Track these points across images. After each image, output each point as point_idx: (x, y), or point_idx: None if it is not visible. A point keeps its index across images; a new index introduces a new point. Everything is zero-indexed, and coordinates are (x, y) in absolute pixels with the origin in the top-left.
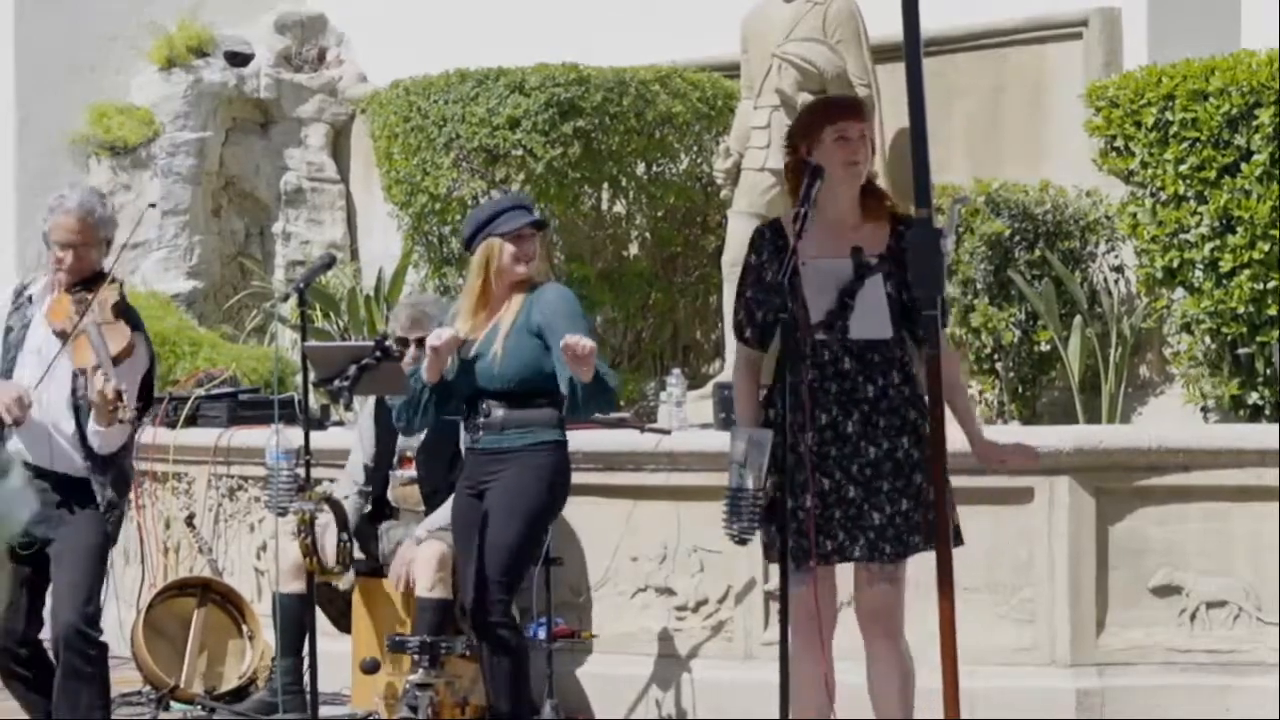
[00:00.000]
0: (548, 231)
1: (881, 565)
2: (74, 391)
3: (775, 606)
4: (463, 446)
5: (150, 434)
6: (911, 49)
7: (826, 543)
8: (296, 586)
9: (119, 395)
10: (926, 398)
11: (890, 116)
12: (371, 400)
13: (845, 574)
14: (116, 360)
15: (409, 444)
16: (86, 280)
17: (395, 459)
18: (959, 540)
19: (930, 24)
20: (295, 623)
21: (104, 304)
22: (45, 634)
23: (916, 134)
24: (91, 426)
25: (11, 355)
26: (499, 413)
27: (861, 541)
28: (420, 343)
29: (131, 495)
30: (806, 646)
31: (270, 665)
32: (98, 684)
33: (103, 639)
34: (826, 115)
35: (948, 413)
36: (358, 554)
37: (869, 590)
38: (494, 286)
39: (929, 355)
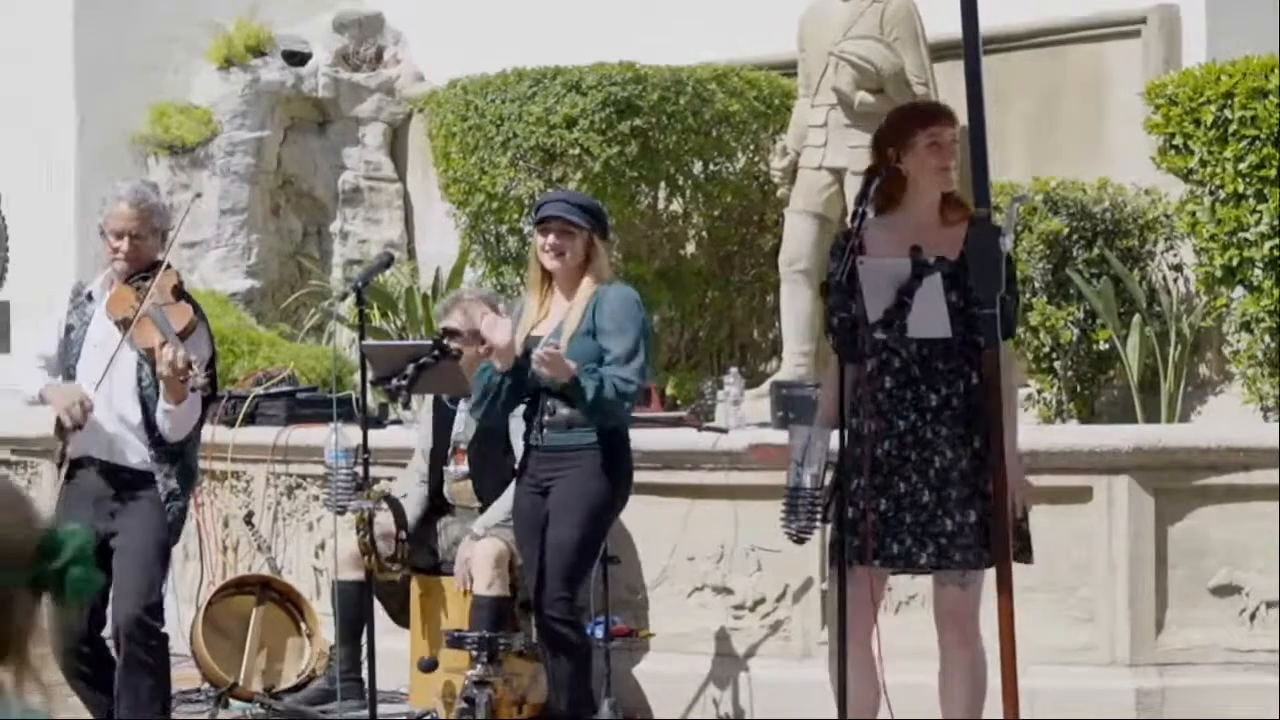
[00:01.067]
0: (610, 239)
1: (951, 570)
2: (139, 381)
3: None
4: (518, 443)
5: (209, 432)
6: (970, 47)
7: (894, 545)
8: (355, 574)
9: (189, 365)
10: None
11: None
12: (430, 396)
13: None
14: (182, 335)
15: (464, 435)
16: (144, 270)
17: (450, 451)
18: (1028, 557)
19: (989, 22)
20: (354, 610)
21: (163, 288)
22: (107, 631)
23: (975, 133)
24: (161, 407)
25: (74, 353)
26: (563, 411)
27: (930, 549)
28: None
29: (194, 490)
30: (862, 646)
31: (328, 661)
32: (159, 675)
33: (164, 630)
34: (920, 120)
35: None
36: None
37: (941, 592)
38: (554, 278)
39: (987, 353)
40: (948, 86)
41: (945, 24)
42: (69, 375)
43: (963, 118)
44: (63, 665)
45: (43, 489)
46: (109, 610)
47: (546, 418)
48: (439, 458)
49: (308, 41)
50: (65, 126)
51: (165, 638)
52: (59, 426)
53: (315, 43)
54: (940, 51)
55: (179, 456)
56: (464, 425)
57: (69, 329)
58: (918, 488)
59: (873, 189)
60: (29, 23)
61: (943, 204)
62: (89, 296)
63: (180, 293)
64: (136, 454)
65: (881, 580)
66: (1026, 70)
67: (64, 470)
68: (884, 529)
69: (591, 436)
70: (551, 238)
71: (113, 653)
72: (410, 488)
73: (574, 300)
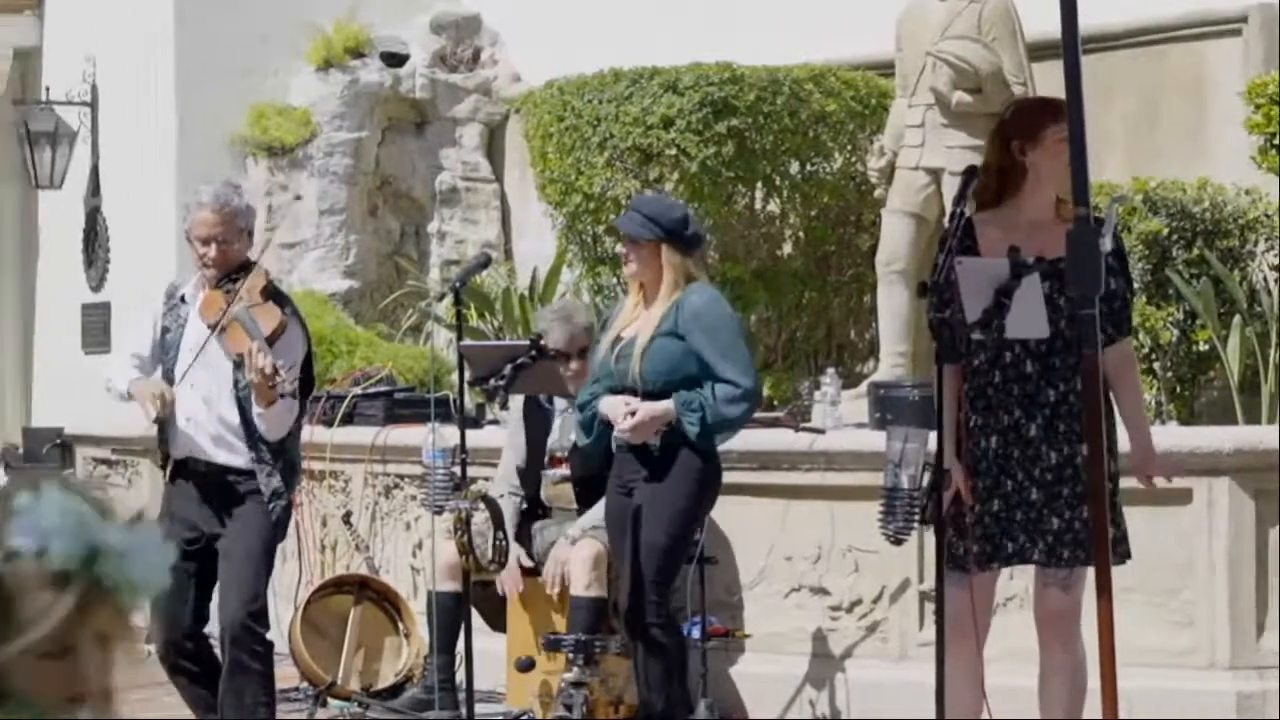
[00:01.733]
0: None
1: (1057, 570)
2: (236, 383)
3: (931, 607)
4: (612, 444)
5: (308, 432)
6: (1070, 47)
7: (1007, 544)
8: (452, 585)
9: (276, 369)
10: (1114, 402)
11: None
12: (520, 401)
13: (1024, 576)
14: (270, 339)
15: (560, 443)
16: (233, 272)
17: (546, 458)
18: (1125, 556)
19: (1088, 21)
20: (450, 621)
21: (252, 290)
22: (211, 629)
23: (1075, 132)
24: (255, 410)
25: (171, 355)
26: None
27: (1041, 545)
28: (582, 353)
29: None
30: (962, 648)
31: (425, 662)
32: (263, 680)
33: (268, 635)
34: (1052, 114)
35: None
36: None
37: (1043, 594)
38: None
39: (1087, 356)
40: (1046, 86)
41: (1043, 23)
42: (168, 378)
43: None
44: (162, 658)
45: (142, 488)
46: (212, 607)
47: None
48: (534, 459)
49: (406, 43)
50: (165, 128)
51: (270, 644)
52: (156, 421)
53: (413, 44)
54: (1039, 51)
55: (280, 454)
56: (559, 431)
57: (165, 330)
58: (1024, 485)
59: (970, 189)
60: (129, 26)
61: (1058, 202)
62: (182, 299)
63: (270, 293)
64: (238, 454)
65: (989, 583)
66: (1126, 70)
67: (167, 471)
68: (996, 528)
69: (677, 437)
70: (627, 243)
71: (216, 651)
72: (503, 488)
73: (654, 305)
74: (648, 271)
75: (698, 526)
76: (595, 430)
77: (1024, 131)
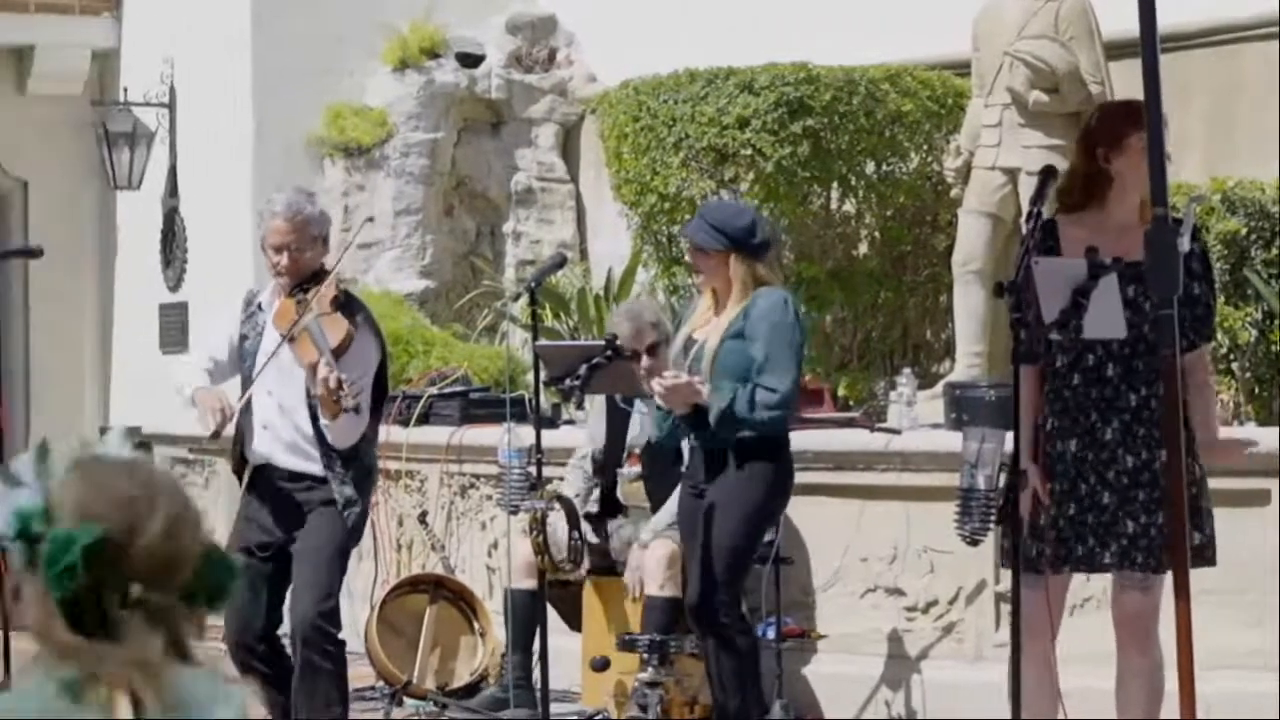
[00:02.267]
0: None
1: (1132, 573)
2: (307, 391)
3: (1007, 608)
4: (684, 446)
5: (384, 432)
6: (1148, 46)
7: (1078, 547)
8: (528, 583)
9: (340, 384)
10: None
11: None
12: (602, 396)
13: (1101, 578)
14: (338, 352)
15: (638, 440)
16: (306, 280)
17: (624, 455)
18: (1210, 560)
19: (1165, 20)
20: (526, 619)
21: (322, 299)
22: (284, 631)
23: (1152, 132)
24: (322, 422)
25: (249, 363)
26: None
27: (1113, 548)
28: (651, 350)
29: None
30: (1038, 649)
31: (501, 662)
32: (335, 679)
33: (340, 635)
34: (1136, 121)
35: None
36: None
37: (1121, 596)
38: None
39: (1165, 356)
40: (1124, 86)
41: (1120, 22)
42: (246, 384)
43: None
44: (234, 658)
45: (219, 488)
46: (285, 610)
47: None
48: (613, 458)
49: (481, 43)
50: (242, 129)
51: (342, 644)
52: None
53: (489, 44)
54: (1116, 50)
55: (353, 460)
56: (639, 428)
57: (243, 338)
58: (1097, 489)
59: (1048, 189)
60: (207, 27)
61: (1142, 205)
62: (259, 306)
63: (339, 302)
64: (313, 461)
65: (1061, 586)
66: (1203, 69)
67: (246, 477)
68: (1070, 531)
69: (748, 437)
70: (688, 254)
71: (289, 654)
72: (577, 486)
73: (725, 310)
74: (716, 279)
75: (769, 526)
76: (668, 426)
77: (1108, 138)
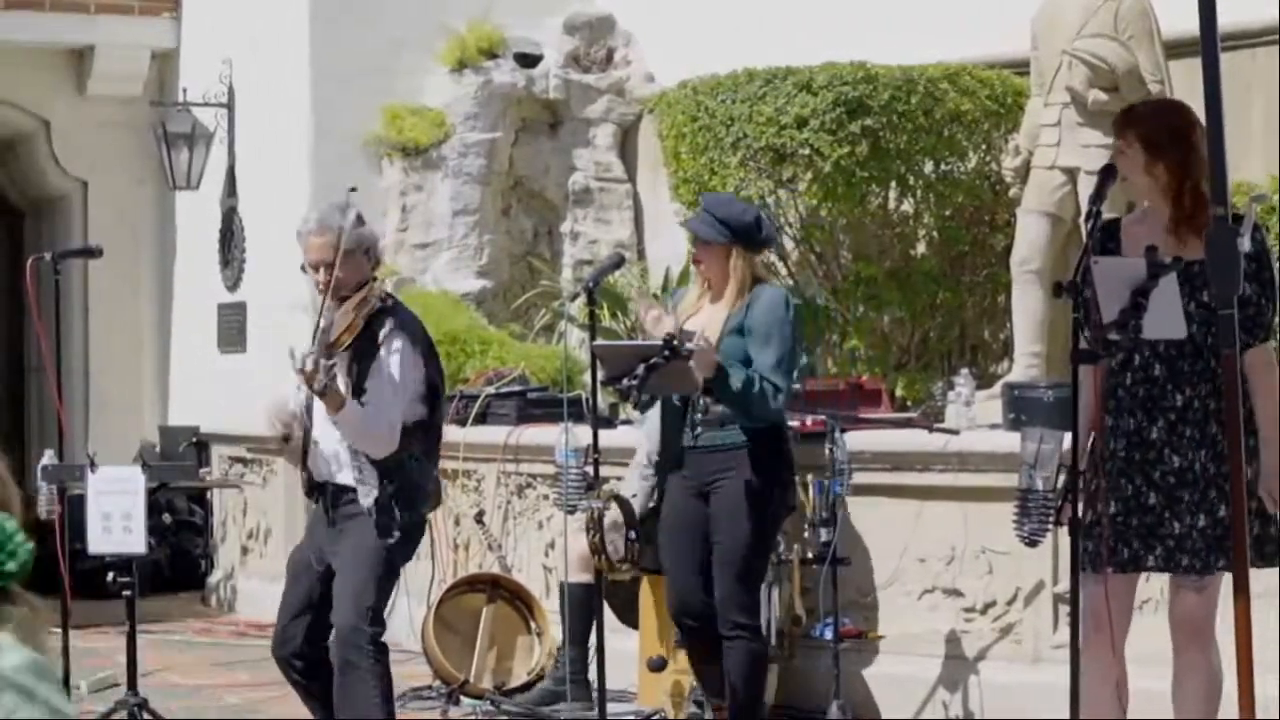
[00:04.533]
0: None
1: (1186, 575)
2: None
3: (1065, 609)
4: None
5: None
6: (1208, 44)
7: (1123, 549)
8: (584, 577)
9: (316, 365)
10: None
11: None
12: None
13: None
14: (333, 345)
15: None
16: (354, 292)
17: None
18: (1274, 558)
19: (1226, 19)
20: (582, 612)
21: (350, 310)
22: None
23: (1213, 131)
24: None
25: None
26: (716, 409)
27: (1158, 550)
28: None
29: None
30: (1097, 651)
31: (558, 654)
32: (374, 680)
33: (381, 638)
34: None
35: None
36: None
37: (1175, 598)
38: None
39: (1226, 356)
40: (1184, 85)
41: (1180, 20)
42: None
43: (1200, 116)
44: (281, 669)
45: (278, 488)
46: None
47: (699, 415)
48: (668, 458)
49: (539, 43)
50: (301, 129)
51: (383, 646)
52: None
53: (546, 45)
54: (1175, 49)
55: (392, 473)
56: None
57: None
58: (1142, 490)
59: (1108, 188)
60: (265, 28)
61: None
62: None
63: (372, 314)
64: (348, 472)
65: (1128, 585)
66: (1263, 68)
67: (314, 497)
68: (1114, 533)
69: (748, 432)
70: (691, 246)
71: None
72: (636, 486)
73: (720, 302)
74: (714, 271)
75: (778, 523)
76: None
77: (1174, 140)
